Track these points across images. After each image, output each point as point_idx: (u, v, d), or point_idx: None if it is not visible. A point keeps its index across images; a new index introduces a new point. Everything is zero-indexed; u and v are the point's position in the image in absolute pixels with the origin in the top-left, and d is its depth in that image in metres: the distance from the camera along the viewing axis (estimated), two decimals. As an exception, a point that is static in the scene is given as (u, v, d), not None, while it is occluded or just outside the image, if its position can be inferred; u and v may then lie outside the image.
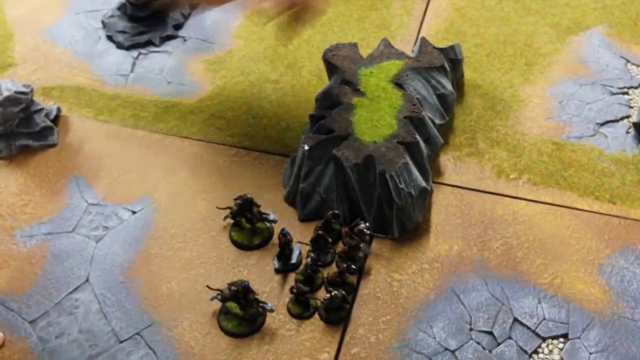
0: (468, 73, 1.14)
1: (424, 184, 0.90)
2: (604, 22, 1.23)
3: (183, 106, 1.10)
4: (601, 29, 1.22)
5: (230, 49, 1.21)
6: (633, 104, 1.08)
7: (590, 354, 0.80)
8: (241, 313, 0.80)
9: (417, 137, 0.91)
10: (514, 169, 1.00)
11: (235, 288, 0.78)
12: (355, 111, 0.94)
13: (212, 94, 1.12)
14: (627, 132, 1.04)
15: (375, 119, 0.93)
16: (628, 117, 1.06)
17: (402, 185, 0.87)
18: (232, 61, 1.18)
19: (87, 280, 0.86)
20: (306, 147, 0.90)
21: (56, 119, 1.05)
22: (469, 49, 1.20)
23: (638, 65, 1.14)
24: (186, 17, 1.26)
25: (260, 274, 0.87)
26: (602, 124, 1.06)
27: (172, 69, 1.17)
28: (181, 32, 1.24)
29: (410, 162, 0.89)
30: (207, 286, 0.81)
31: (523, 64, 1.17)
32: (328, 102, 0.97)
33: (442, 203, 0.96)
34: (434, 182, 0.98)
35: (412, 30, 1.24)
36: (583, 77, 1.13)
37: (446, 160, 1.02)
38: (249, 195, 0.88)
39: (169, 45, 1.21)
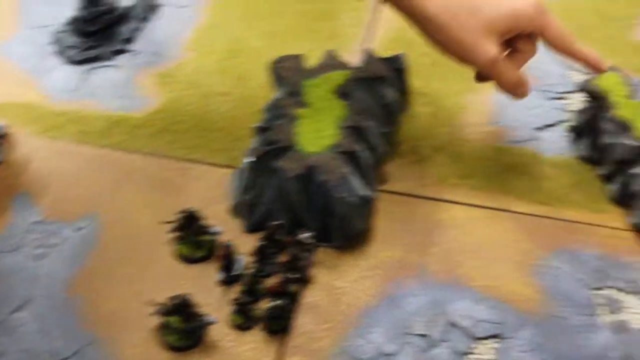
0: (414, 82, 1.16)
1: (365, 192, 0.92)
2: (546, 29, 1.26)
3: (131, 120, 1.11)
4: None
5: (180, 62, 1.22)
6: (570, 108, 1.11)
7: (522, 352, 0.82)
8: (182, 326, 0.82)
9: (359, 146, 0.94)
10: (455, 175, 1.03)
11: (175, 302, 0.80)
12: (299, 122, 0.96)
13: (161, 108, 1.13)
14: (565, 136, 1.08)
15: (318, 130, 0.95)
16: (565, 121, 1.09)
17: (343, 194, 0.89)
18: (182, 74, 1.20)
19: (28, 299, 0.87)
20: (249, 159, 0.92)
21: (2, 137, 1.06)
22: (416, 58, 1.22)
23: (577, 70, 1.17)
24: (135, 31, 1.27)
25: (204, 287, 0.88)
26: (541, 129, 1.09)
27: (121, 83, 1.18)
28: (132, 46, 1.25)
29: (351, 171, 0.91)
30: (148, 301, 0.82)
31: (468, 72, 1.19)
32: (273, 113, 0.99)
33: (386, 210, 0.98)
34: (378, 190, 1.00)
35: (361, 40, 1.27)
36: (524, 83, 1.16)
37: (391, 168, 1.04)
38: (191, 209, 0.90)
39: (119, 60, 1.22)
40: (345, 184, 0.89)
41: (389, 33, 1.27)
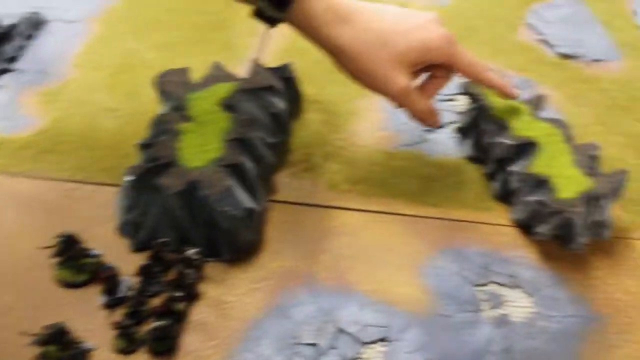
0: (308, 89, 1.17)
1: (251, 204, 0.91)
2: (435, 32, 1.29)
3: (13, 142, 1.07)
4: (433, 39, 1.27)
5: (67, 79, 1.19)
6: (458, 109, 1.14)
7: (408, 353, 0.84)
8: (60, 355, 0.79)
9: (244, 158, 0.93)
10: (346, 181, 1.04)
11: (51, 331, 0.77)
12: (183, 137, 0.95)
13: (46, 128, 1.10)
14: (450, 138, 1.10)
15: (202, 144, 0.94)
16: (453, 122, 1.12)
17: (227, 208, 0.88)
18: (69, 92, 1.17)
19: None
20: (129, 178, 0.90)
21: None
22: (309, 65, 1.22)
23: (464, 72, 1.20)
24: (20, 49, 1.23)
25: (86, 312, 0.86)
26: (430, 131, 1.12)
27: (4, 103, 1.14)
28: (16, 65, 1.21)
29: (236, 184, 0.91)
30: (22, 332, 0.79)
31: (359, 77, 1.21)
32: (158, 129, 0.97)
33: (276, 220, 0.98)
34: (269, 201, 1.00)
35: (256, 50, 1.26)
36: (414, 87, 1.19)
37: (282, 177, 1.04)
38: (70, 232, 0.88)
39: (2, 80, 1.18)
40: (229, 197, 0.89)
41: (283, 42, 1.28)
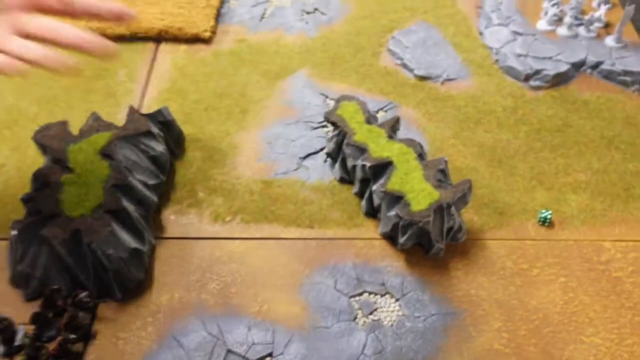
0: (188, 129, 1.25)
1: (135, 244, 0.98)
2: (307, 65, 1.40)
3: None
4: (304, 71, 1.38)
5: (-48, 139, 1.22)
6: (329, 135, 1.24)
7: (291, 366, 0.92)
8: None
9: (124, 203, 0.99)
10: (229, 212, 1.12)
11: None
12: (64, 188, 1.00)
13: None
14: (324, 162, 1.20)
15: (83, 193, 1.00)
16: (324, 148, 1.22)
17: (111, 251, 0.94)
18: (-45, 151, 1.20)
19: None
20: (14, 233, 0.95)
21: None
22: (189, 105, 1.31)
23: (334, 99, 1.30)
24: None
25: (-17, 363, 0.90)
26: (304, 157, 1.21)
27: None
28: None
29: (119, 227, 0.97)
30: None
31: (238, 112, 1.30)
32: (39, 183, 1.02)
33: (164, 256, 1.05)
34: (157, 238, 1.07)
35: (137, 95, 1.33)
36: (289, 117, 1.28)
37: (168, 215, 1.11)
38: (-40, 291, 0.92)
39: None
40: (113, 240, 0.95)
41: (163, 84, 1.35)
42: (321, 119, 1.27)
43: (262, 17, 1.53)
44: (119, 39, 1.42)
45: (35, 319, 0.92)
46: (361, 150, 1.09)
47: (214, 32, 1.47)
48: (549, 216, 1.10)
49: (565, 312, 1.00)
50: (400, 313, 0.99)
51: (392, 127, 1.13)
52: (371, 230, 1.10)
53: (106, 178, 1.02)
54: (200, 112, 1.29)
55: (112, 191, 1.00)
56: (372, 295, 1.01)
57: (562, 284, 1.03)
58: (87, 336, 0.94)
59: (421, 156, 1.09)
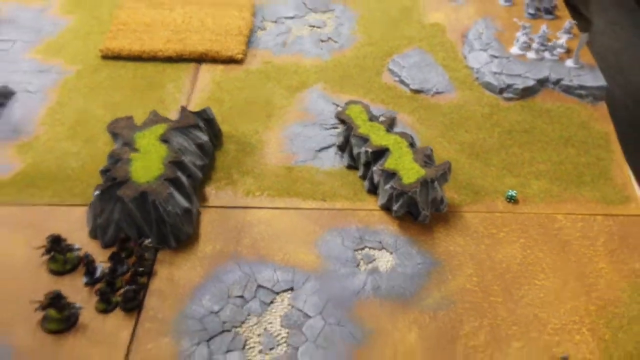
0: (225, 127, 1.54)
1: (187, 205, 1.27)
2: (321, 81, 1.70)
3: (1, 182, 1.39)
4: (319, 85, 1.69)
5: (36, 135, 1.52)
6: (339, 131, 1.53)
7: (307, 296, 1.19)
8: (59, 316, 1.10)
9: (179, 174, 1.28)
10: (258, 189, 1.40)
11: (50, 296, 1.09)
12: (132, 163, 1.29)
13: (23, 170, 1.42)
14: (335, 154, 1.49)
15: (147, 166, 1.29)
16: (335, 143, 1.51)
17: (170, 208, 1.23)
18: (39, 144, 1.50)
19: None
20: (97, 193, 1.24)
21: None
22: (225, 110, 1.61)
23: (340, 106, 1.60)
24: (-4, 114, 1.55)
25: (74, 289, 1.17)
26: (319, 150, 1.50)
27: (-13, 156, 1.46)
28: (-7, 126, 1.54)
29: (174, 191, 1.26)
30: (30, 301, 1.10)
31: (264, 116, 1.60)
32: (113, 159, 1.31)
33: (208, 220, 1.33)
34: (201, 206, 1.35)
35: (183, 102, 1.63)
36: (306, 120, 1.58)
37: (209, 190, 1.40)
38: (55, 234, 1.20)
39: (-18, 138, 1.50)
40: (171, 200, 1.24)
41: (204, 95, 1.65)
42: (333, 121, 1.57)
43: (284, 44, 1.84)
44: (168, 59, 1.74)
45: (112, 257, 1.20)
46: (364, 140, 1.38)
47: (245, 55, 1.78)
48: (514, 194, 1.38)
49: (523, 262, 1.27)
50: (393, 263, 1.26)
51: (390, 124, 1.43)
52: (372, 203, 1.38)
53: (165, 156, 1.31)
54: (234, 115, 1.59)
55: (170, 166, 1.29)
56: (371, 250, 1.29)
57: (522, 244, 1.30)
58: (150, 272, 1.22)
59: (412, 145, 1.37)
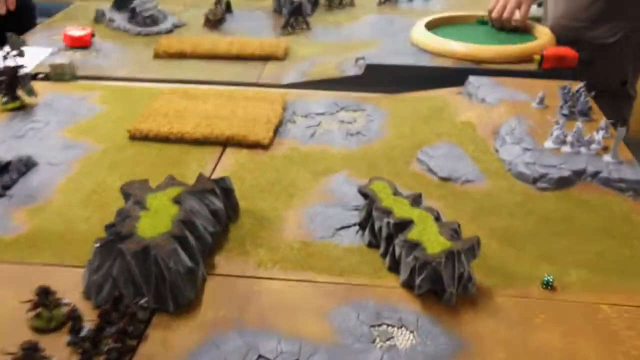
0: (244, 204, 1.48)
1: (191, 265, 1.17)
2: (347, 167, 1.65)
3: (2, 241, 1.33)
4: (345, 172, 1.63)
5: (51, 200, 1.49)
6: (361, 207, 1.45)
7: (314, 369, 1.05)
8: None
9: (186, 232, 1.21)
10: (271, 261, 1.31)
11: (25, 346, 0.98)
12: (140, 220, 1.23)
13: (30, 231, 1.37)
14: (356, 233, 1.40)
15: (156, 224, 1.22)
16: (356, 224, 1.42)
17: (172, 265, 1.14)
18: (52, 208, 1.46)
19: None
20: (97, 245, 1.17)
21: None
22: (246, 188, 1.55)
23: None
24: (14, 181, 1.53)
25: (56, 348, 1.06)
26: (339, 229, 1.42)
27: (-1, 216, 1.42)
28: (9, 192, 1.51)
29: (179, 248, 1.17)
30: (4, 351, 0.99)
31: (286, 196, 1.54)
32: (121, 217, 1.25)
33: (213, 286, 1.23)
34: (208, 274, 1.26)
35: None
36: (329, 202, 1.51)
37: (218, 259, 1.31)
38: (45, 285, 1.11)
39: (-1, 201, 1.47)
40: (175, 256, 1.15)
41: (225, 173, 1.61)
42: (356, 203, 1.49)
43: (312, 136, 1.82)
44: (195, 142, 1.73)
45: (101, 315, 1.10)
46: (387, 212, 1.30)
47: (271, 142, 1.76)
48: (551, 279, 1.25)
49: (565, 351, 1.11)
50: (413, 341, 1.12)
51: (415, 200, 1.34)
52: (393, 281, 1.26)
53: (176, 215, 1.24)
54: (255, 193, 1.54)
55: (180, 224, 1.22)
56: (389, 327, 1.15)
57: (562, 331, 1.15)
58: (141, 334, 1.10)
59: (438, 219, 1.28)
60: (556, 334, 1.15)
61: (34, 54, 2.27)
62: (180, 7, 2.84)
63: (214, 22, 2.66)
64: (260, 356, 1.08)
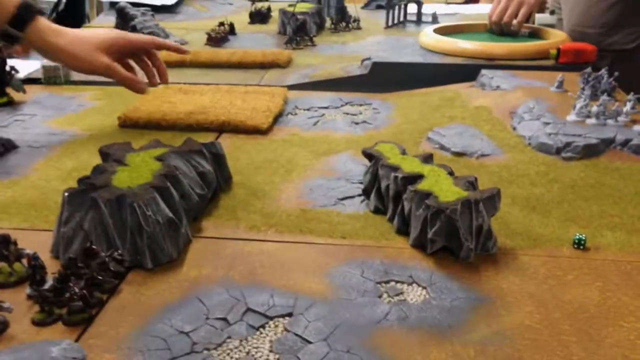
0: (238, 178, 1.35)
1: (172, 215, 1.03)
2: (350, 149, 1.52)
3: (-31, 202, 1.21)
4: (349, 152, 1.50)
5: (27, 176, 1.36)
6: (364, 174, 1.31)
7: (309, 322, 0.89)
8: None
9: (169, 184, 1.07)
10: (265, 225, 1.16)
11: None
12: (117, 173, 1.10)
13: (3, 201, 1.24)
14: (361, 202, 1.26)
15: (133, 176, 1.08)
16: (361, 195, 1.28)
17: (150, 213, 1.00)
18: (27, 182, 1.33)
19: None
20: (66, 195, 1.03)
21: None
22: (241, 165, 1.42)
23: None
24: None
25: (14, 302, 0.91)
26: (342, 199, 1.27)
27: (-33, 184, 1.29)
28: (-15, 167, 1.39)
29: (159, 199, 1.04)
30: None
31: (284, 171, 1.40)
32: (97, 171, 1.12)
33: (198, 248, 1.09)
34: (194, 237, 1.11)
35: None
36: (331, 176, 1.38)
37: (207, 223, 1.17)
38: (5, 234, 0.98)
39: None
40: (153, 205, 1.01)
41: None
42: (359, 178, 1.35)
43: (315, 124, 1.71)
44: (188, 128, 1.61)
45: (68, 264, 0.95)
46: (394, 168, 1.16)
47: (270, 128, 1.65)
48: (584, 237, 1.09)
49: (603, 305, 0.95)
50: (426, 296, 0.96)
51: (426, 159, 1.21)
52: (401, 242, 1.11)
53: (157, 170, 1.11)
54: (250, 169, 1.41)
55: (161, 177, 1.08)
56: (398, 284, 1.00)
57: (598, 287, 0.99)
58: (113, 289, 0.95)
59: (451, 174, 1.14)
60: (593, 289, 0.98)
61: (28, 65, 2.20)
62: (182, 31, 2.79)
63: (216, 40, 2.59)
64: (248, 309, 0.92)
